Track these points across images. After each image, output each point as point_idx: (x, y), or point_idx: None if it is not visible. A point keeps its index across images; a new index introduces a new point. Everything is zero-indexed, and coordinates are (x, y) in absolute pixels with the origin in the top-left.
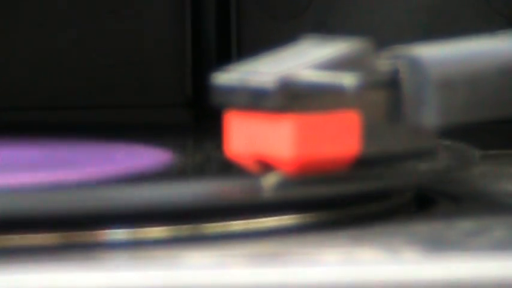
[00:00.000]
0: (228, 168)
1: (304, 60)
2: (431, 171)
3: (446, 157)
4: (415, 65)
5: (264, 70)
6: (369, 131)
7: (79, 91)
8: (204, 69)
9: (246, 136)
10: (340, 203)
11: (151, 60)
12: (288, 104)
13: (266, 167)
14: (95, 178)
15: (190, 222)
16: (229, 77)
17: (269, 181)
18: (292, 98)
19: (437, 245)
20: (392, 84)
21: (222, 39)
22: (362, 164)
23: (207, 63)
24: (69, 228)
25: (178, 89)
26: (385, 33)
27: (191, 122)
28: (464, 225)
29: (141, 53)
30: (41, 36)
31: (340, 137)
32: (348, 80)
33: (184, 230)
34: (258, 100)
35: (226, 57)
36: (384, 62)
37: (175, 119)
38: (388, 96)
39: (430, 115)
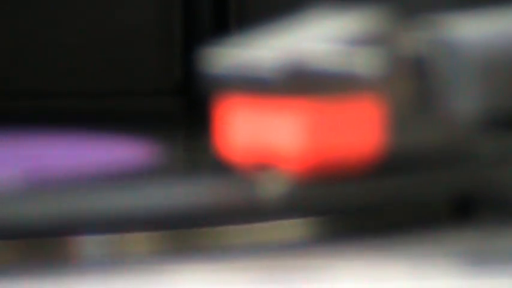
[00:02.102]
0: (224, 166)
1: (315, 35)
2: (471, 170)
3: (487, 153)
4: (449, 43)
5: (267, 47)
6: (395, 122)
7: (49, 75)
8: (197, 48)
9: (245, 128)
10: (360, 208)
11: (132, 38)
12: (295, 89)
13: (270, 164)
14: (67, 177)
15: (179, 231)
16: (226, 57)
17: (273, 181)
18: (300, 81)
19: (481, 258)
20: (421, 65)
21: (218, 9)
22: (386, 161)
23: (200, 40)
24: (34, 238)
25: (166, 72)
26: (417, 1)
27: (181, 111)
28: None
29: (120, 30)
30: (13, 17)
31: (359, 128)
32: (365, 64)
33: (171, 239)
34: (260, 84)
35: (223, 32)
36: (411, 38)
37: (163, 108)
38: (416, 80)
39: (467, 102)
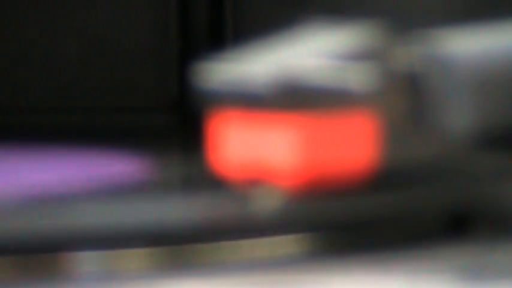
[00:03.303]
0: (219, 181)
1: (309, 50)
2: (465, 185)
3: (482, 168)
4: (443, 58)
5: (262, 63)
6: (389, 137)
7: (44, 91)
8: (192, 64)
9: (240, 143)
10: (354, 224)
11: (128, 54)
12: (289, 104)
13: (264, 180)
14: (62, 193)
15: (172, 247)
16: (221, 72)
17: (267, 197)
18: (294, 96)
19: (477, 273)
20: (415, 81)
21: (214, 25)
22: (380, 177)
23: (196, 56)
24: (29, 254)
25: (161, 88)
26: (410, 15)
27: (176, 127)
28: (508, 249)
29: (116, 45)
30: (9, 34)
31: (353, 143)
32: (358, 79)
33: (166, 255)
34: (254, 100)
35: (219, 47)
36: (405, 53)
37: (158, 124)
38: (410, 96)
39: (460, 119)
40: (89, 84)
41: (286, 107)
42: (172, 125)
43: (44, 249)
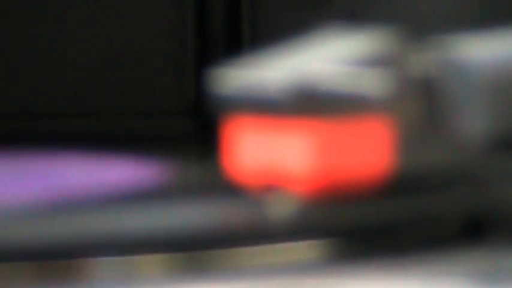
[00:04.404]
0: (234, 187)
1: (325, 56)
2: (481, 190)
3: (497, 173)
4: (458, 63)
5: (278, 68)
6: (404, 142)
7: (60, 96)
8: (209, 69)
9: (255, 149)
10: (369, 229)
11: (145, 58)
12: (305, 110)
13: (279, 185)
14: (77, 197)
15: (189, 252)
16: (237, 78)
17: (282, 203)
18: (310, 102)
19: (492, 278)
20: (430, 86)
21: (231, 31)
22: (395, 182)
23: (212, 61)
24: (47, 260)
25: (178, 93)
26: (427, 22)
27: (192, 132)
28: None
29: (132, 51)
30: (25, 38)
31: (368, 149)
32: (374, 85)
33: (182, 261)
34: (270, 105)
35: (236, 53)
36: (420, 59)
37: (174, 129)
38: (425, 101)
39: (475, 124)
40: (105, 89)
41: (301, 113)
42: (188, 130)
43: (62, 255)
